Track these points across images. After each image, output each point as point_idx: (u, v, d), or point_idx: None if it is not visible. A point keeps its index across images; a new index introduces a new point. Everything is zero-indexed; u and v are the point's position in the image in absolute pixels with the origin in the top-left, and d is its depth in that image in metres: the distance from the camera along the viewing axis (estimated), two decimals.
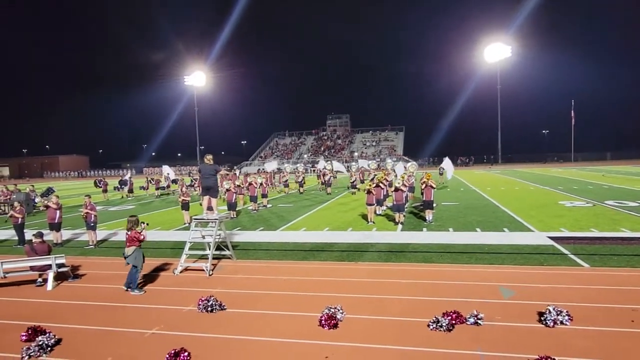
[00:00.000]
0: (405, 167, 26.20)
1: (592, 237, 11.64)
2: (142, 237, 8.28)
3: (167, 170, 34.89)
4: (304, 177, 31.06)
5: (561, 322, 5.94)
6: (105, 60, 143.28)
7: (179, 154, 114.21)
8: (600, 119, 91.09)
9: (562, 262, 9.37)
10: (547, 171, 48.67)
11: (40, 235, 9.57)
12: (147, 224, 8.69)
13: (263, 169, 39.48)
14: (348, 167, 46.31)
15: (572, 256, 9.75)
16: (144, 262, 8.43)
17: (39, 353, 5.57)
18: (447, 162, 29.95)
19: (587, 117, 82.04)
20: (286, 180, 30.33)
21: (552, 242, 11.17)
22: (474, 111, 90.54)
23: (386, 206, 18.37)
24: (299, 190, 29.73)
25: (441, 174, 32.24)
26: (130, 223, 8.35)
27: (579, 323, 5.99)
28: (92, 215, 12.90)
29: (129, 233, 8.31)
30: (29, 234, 12.98)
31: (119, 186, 33.42)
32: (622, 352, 5.19)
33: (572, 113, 74.97)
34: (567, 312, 6.04)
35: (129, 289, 8.24)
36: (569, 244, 10.92)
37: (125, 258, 8.33)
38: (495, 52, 73.01)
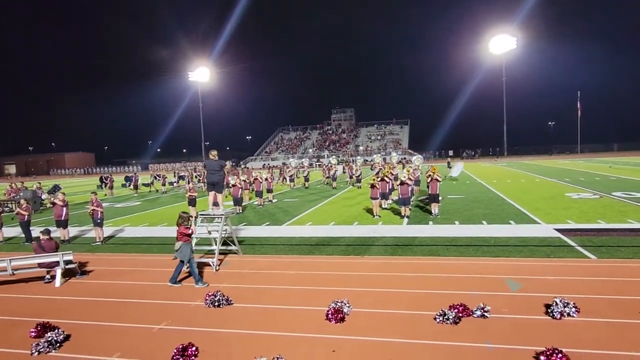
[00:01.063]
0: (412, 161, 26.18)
1: (599, 229, 11.56)
2: (189, 231, 8.51)
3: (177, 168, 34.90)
4: (309, 172, 31.09)
5: (568, 314, 5.92)
6: (110, 57, 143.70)
7: (184, 150, 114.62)
8: (607, 111, 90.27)
9: (569, 254, 9.32)
10: (553, 163, 48.35)
11: (47, 232, 9.64)
12: (195, 217, 8.86)
13: (285, 164, 39.20)
14: (352, 160, 46.21)
15: (579, 248, 9.70)
16: (191, 256, 8.49)
17: (48, 349, 5.63)
18: (458, 165, 30.12)
19: (594, 108, 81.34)
20: (292, 175, 30.34)
21: (559, 234, 11.10)
22: (480, 104, 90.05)
23: (392, 200, 18.34)
24: (305, 184, 29.76)
25: (450, 167, 32.20)
26: (181, 219, 8.55)
27: (586, 315, 5.96)
28: (99, 212, 12.97)
29: (178, 228, 8.48)
30: (35, 232, 13.09)
31: (126, 183, 33.67)
32: (629, 344, 5.16)
33: (579, 104, 74.32)
34: (574, 304, 6.01)
35: (175, 284, 8.38)
36: (576, 236, 10.86)
37: (175, 252, 8.58)
38: (501, 44, 72.45)
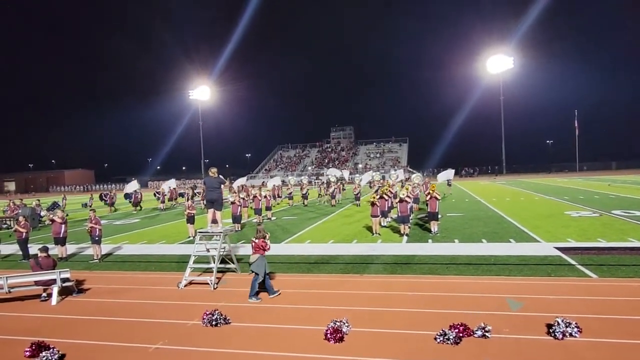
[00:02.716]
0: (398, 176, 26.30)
1: (600, 248, 11.52)
2: (267, 246, 8.55)
3: (170, 184, 34.88)
4: (307, 190, 31.08)
5: (570, 334, 5.85)
6: (110, 75, 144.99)
7: (184, 167, 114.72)
8: (605, 129, 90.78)
9: (570, 273, 9.26)
10: (552, 181, 48.44)
11: (45, 249, 9.58)
12: (269, 235, 8.94)
13: (265, 183, 39.08)
14: (352, 178, 46.26)
15: (579, 267, 9.64)
16: (266, 271, 8.49)
17: None
18: (446, 173, 30.32)
19: (592, 127, 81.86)
20: (290, 193, 30.32)
21: (559, 253, 11.05)
22: (478, 122, 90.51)
23: (391, 218, 18.30)
24: (303, 202, 29.72)
25: (449, 185, 32.28)
26: (259, 232, 8.65)
27: (589, 335, 5.90)
28: (97, 230, 12.92)
29: (255, 241, 8.52)
30: (33, 249, 13.01)
31: (126, 200, 33.70)
32: None
33: (576, 123, 74.86)
34: (576, 323, 5.95)
35: (254, 298, 8.29)
36: (577, 254, 10.81)
37: (249, 265, 8.58)
38: (498, 64, 73.41)
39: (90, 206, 31.65)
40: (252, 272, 8.49)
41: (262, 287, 8.51)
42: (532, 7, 75.49)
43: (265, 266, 8.49)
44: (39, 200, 27.86)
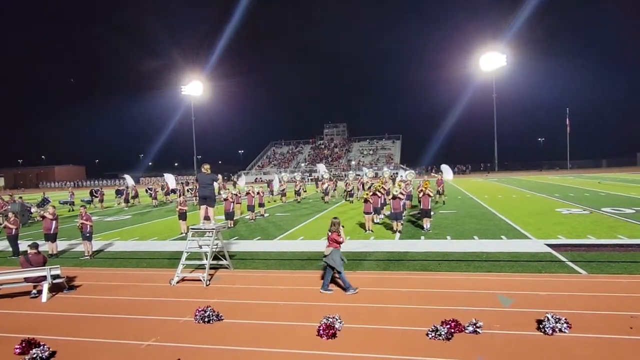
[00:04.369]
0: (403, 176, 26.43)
1: (590, 244, 11.65)
2: (341, 239, 8.41)
3: (169, 179, 34.63)
4: (301, 186, 31.07)
5: (560, 330, 5.92)
6: (101, 70, 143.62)
7: (176, 164, 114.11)
8: (596, 127, 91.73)
9: (560, 269, 9.36)
10: (543, 179, 48.86)
11: (35, 246, 9.49)
12: (343, 227, 8.76)
13: (236, 182, 38.54)
14: (345, 175, 46.30)
15: (569, 263, 9.75)
16: (343, 263, 8.39)
17: None
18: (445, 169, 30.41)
19: (583, 125, 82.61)
20: (284, 190, 30.28)
21: (549, 250, 11.16)
22: (471, 120, 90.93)
23: (384, 214, 18.35)
24: (297, 199, 29.72)
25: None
26: (334, 225, 8.51)
27: (578, 331, 5.97)
28: (88, 226, 12.81)
29: (329, 234, 8.42)
30: (23, 245, 12.88)
31: (117, 196, 33.49)
32: None
33: (567, 121, 75.48)
34: (565, 319, 6.02)
35: (326, 290, 8.26)
36: (567, 251, 10.92)
37: (323, 257, 8.48)
38: (491, 61, 73.66)
39: (72, 203, 31.59)
40: (325, 263, 8.41)
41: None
42: (525, 5, 75.89)
43: (342, 258, 8.36)
44: (20, 197, 27.29)
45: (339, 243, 8.41)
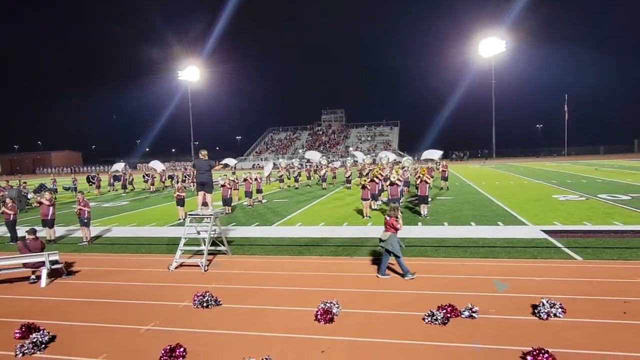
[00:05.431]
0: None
1: (585, 230, 11.73)
2: (398, 225, 8.34)
3: (156, 165, 34.54)
4: (299, 172, 31.06)
5: (554, 315, 5.99)
6: (98, 56, 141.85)
7: (173, 150, 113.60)
8: (593, 114, 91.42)
9: (556, 255, 9.44)
10: (541, 165, 48.96)
11: (33, 232, 9.49)
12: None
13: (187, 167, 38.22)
14: (344, 162, 46.24)
15: (565, 249, 9.82)
16: (401, 248, 8.30)
17: (33, 350, 5.54)
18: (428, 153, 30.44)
19: (581, 111, 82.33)
20: (281, 176, 30.27)
21: (545, 236, 11.24)
22: (469, 106, 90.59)
23: (381, 201, 18.40)
24: (295, 185, 29.72)
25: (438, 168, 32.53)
26: (392, 210, 8.44)
27: (572, 315, 6.04)
28: (86, 212, 12.81)
29: (387, 219, 8.35)
30: (21, 231, 12.88)
31: (112, 182, 33.40)
32: (615, 344, 5.24)
33: (566, 108, 75.33)
34: (560, 304, 6.09)
35: (383, 275, 8.23)
36: (563, 237, 11.00)
37: (380, 242, 8.42)
38: (490, 47, 73.17)
39: (75, 189, 31.49)
40: (382, 248, 8.35)
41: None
42: None
43: (399, 243, 8.30)
44: (25, 182, 27.39)
45: (397, 229, 8.33)
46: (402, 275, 8.19)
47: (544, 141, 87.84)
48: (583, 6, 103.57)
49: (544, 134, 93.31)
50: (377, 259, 9.77)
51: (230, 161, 37.05)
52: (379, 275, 8.28)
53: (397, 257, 8.21)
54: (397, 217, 8.39)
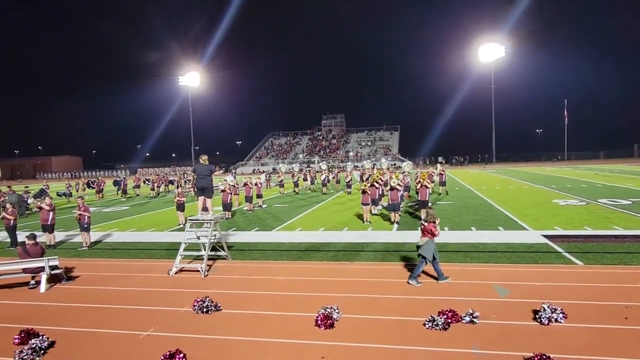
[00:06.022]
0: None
1: (586, 235, 11.71)
2: (437, 232, 8.21)
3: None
4: (299, 177, 31.08)
5: (556, 320, 5.97)
6: (99, 60, 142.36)
7: (173, 155, 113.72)
8: (593, 119, 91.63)
9: (557, 260, 9.41)
10: (541, 170, 48.94)
11: (33, 237, 9.49)
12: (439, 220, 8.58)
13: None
14: (343, 167, 46.27)
15: (566, 254, 9.80)
16: (435, 255, 8.17)
17: (32, 356, 5.51)
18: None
19: (580, 116, 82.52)
20: (281, 180, 30.28)
21: (546, 241, 11.22)
22: (469, 111, 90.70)
23: (382, 206, 18.39)
24: (295, 190, 29.73)
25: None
26: (431, 216, 8.31)
27: (574, 321, 6.02)
28: (86, 217, 12.80)
29: (425, 225, 8.25)
30: (21, 236, 12.87)
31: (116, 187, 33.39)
32: (616, 349, 5.22)
33: (565, 112, 75.43)
34: (561, 309, 6.07)
35: (416, 283, 8.07)
36: (563, 242, 10.98)
37: (417, 248, 8.30)
38: (489, 52, 73.36)
39: (69, 194, 31.47)
40: (420, 255, 8.21)
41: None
42: None
43: (434, 251, 8.18)
44: (27, 186, 27.41)
45: (433, 235, 8.20)
46: (437, 279, 8.13)
47: (543, 146, 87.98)
48: (582, 11, 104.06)
49: (543, 138, 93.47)
50: (378, 264, 9.75)
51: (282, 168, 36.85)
52: (409, 282, 8.10)
53: (432, 262, 8.09)
54: (435, 223, 8.25)
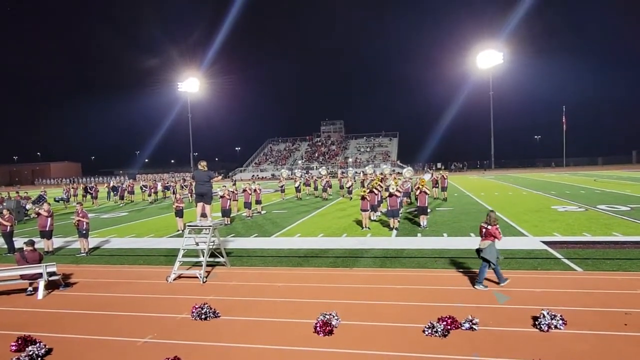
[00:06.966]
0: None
1: (585, 242, 11.70)
2: (499, 235, 8.12)
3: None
4: (300, 183, 31.07)
5: (555, 327, 5.95)
6: (98, 67, 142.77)
7: (172, 161, 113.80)
8: (592, 125, 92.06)
9: (556, 266, 9.40)
10: (539, 176, 49.02)
11: (31, 243, 9.46)
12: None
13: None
14: (343, 172, 46.31)
15: (565, 260, 9.79)
16: (498, 258, 8.09)
17: None
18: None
19: (579, 123, 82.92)
20: (282, 186, 30.26)
21: (545, 247, 11.21)
22: (468, 117, 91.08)
23: (381, 212, 18.38)
24: (297, 195, 29.71)
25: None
26: (492, 219, 8.21)
27: (573, 327, 6.00)
28: (84, 223, 12.77)
29: (488, 228, 8.13)
30: (19, 242, 12.84)
31: (112, 193, 33.35)
32: (615, 356, 5.20)
33: (564, 119, 75.73)
34: (561, 316, 6.05)
35: (481, 286, 7.98)
36: (563, 248, 10.97)
37: (478, 252, 8.20)
38: (488, 59, 73.73)
39: (67, 200, 31.43)
40: (482, 258, 8.09)
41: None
42: (523, 3, 75.99)
43: (497, 253, 8.10)
44: (26, 192, 27.37)
45: (496, 238, 8.10)
46: (498, 283, 8.07)
47: (542, 152, 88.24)
48: (580, 18, 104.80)
49: (542, 145, 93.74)
50: (377, 270, 9.73)
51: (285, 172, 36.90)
52: (476, 287, 8.02)
53: (494, 265, 8.02)
54: (498, 227, 8.17)
